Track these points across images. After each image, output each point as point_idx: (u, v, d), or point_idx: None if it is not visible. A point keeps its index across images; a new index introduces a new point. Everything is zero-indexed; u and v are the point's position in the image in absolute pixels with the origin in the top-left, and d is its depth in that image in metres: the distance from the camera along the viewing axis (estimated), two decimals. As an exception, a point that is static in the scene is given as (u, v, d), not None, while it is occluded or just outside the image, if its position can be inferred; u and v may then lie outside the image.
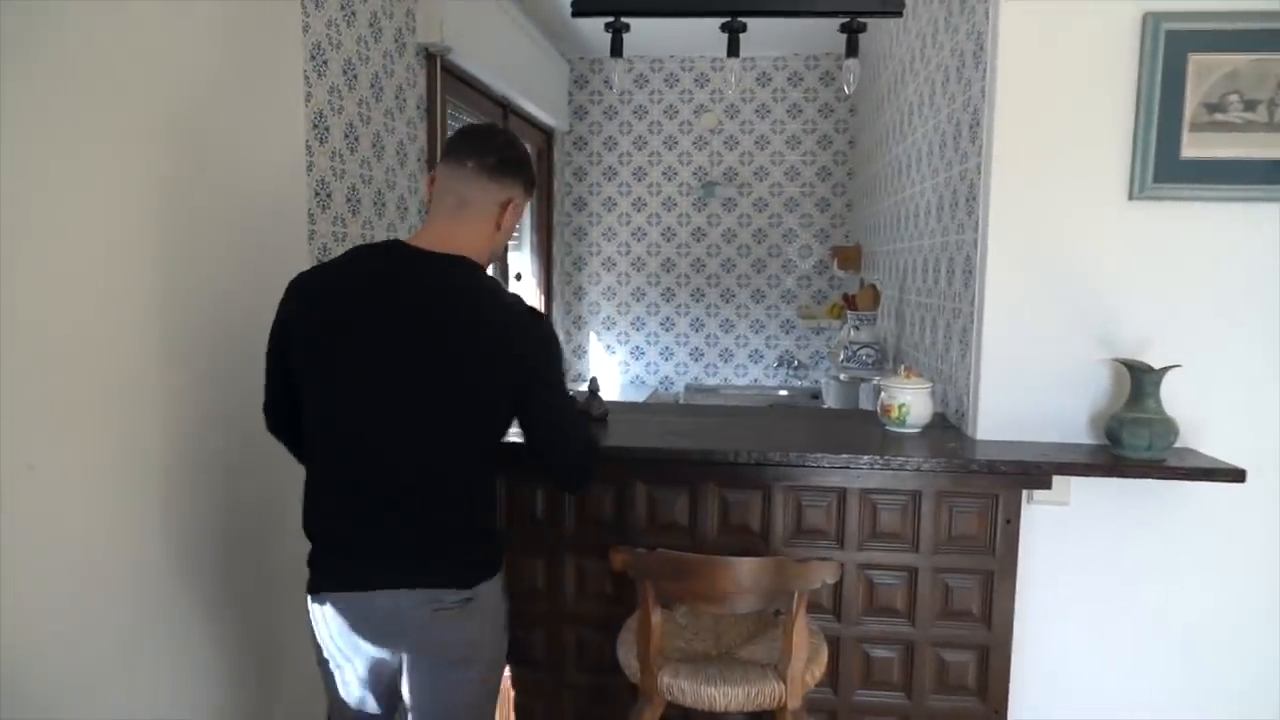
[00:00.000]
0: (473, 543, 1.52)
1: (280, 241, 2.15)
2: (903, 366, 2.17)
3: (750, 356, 5.09)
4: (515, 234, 4.25)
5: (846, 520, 2.02)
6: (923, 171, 2.74)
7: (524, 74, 3.99)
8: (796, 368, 5.04)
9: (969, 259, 2.13)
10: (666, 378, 5.16)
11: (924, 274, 2.68)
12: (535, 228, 4.69)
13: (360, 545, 1.47)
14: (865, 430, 2.17)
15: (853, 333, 3.15)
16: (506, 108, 3.94)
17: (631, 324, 5.17)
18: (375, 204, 2.65)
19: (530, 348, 1.47)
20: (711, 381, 5.13)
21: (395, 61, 2.78)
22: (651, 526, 2.07)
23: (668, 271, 5.11)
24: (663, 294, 5.12)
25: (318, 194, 2.31)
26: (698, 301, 5.10)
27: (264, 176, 2.07)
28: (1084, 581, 2.06)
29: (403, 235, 2.85)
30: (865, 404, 3.78)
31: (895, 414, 2.10)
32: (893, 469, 1.90)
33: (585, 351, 5.23)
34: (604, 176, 5.11)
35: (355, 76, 2.51)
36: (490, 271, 1.60)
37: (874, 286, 3.14)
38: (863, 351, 3.11)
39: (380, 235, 2.70)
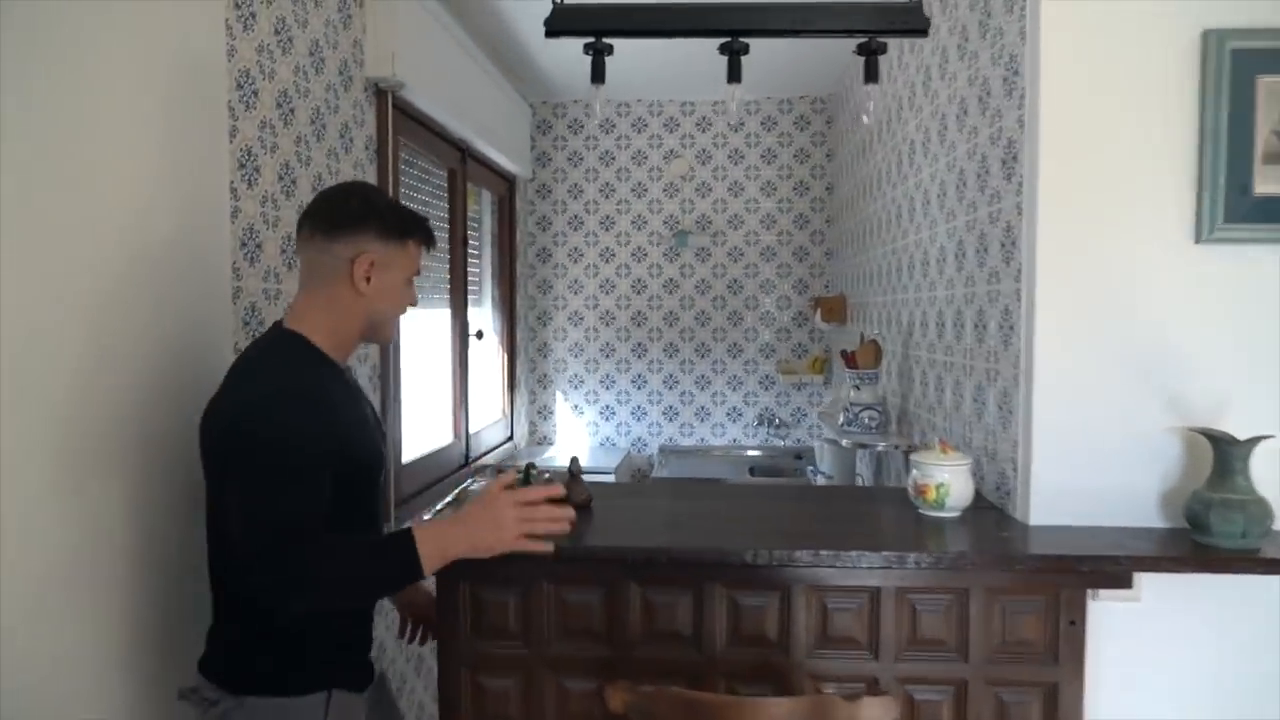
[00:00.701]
0: (247, 645, 1.41)
1: (195, 301, 1.79)
2: (936, 439, 1.86)
3: (728, 414, 4.78)
4: (473, 289, 3.91)
5: (881, 625, 1.68)
6: (932, 215, 2.48)
7: (483, 115, 3.70)
8: (777, 426, 4.74)
9: (1008, 312, 1.85)
10: (639, 439, 4.83)
11: (937, 328, 2.40)
12: (497, 280, 4.36)
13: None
14: (896, 515, 1.85)
15: (853, 393, 2.85)
16: (465, 151, 3.63)
17: (600, 382, 4.84)
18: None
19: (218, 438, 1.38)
20: (687, 442, 4.80)
21: (340, 96, 2.46)
22: (648, 637, 1.71)
23: (639, 325, 4.80)
24: (634, 349, 4.80)
25: (244, 244, 1.96)
26: (671, 357, 4.79)
27: (175, 224, 1.72)
28: (1161, 689, 1.75)
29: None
30: (863, 470, 3.48)
31: (932, 496, 1.79)
32: (943, 567, 1.58)
33: (551, 412, 4.88)
34: (569, 226, 4.82)
35: (292, 110, 2.18)
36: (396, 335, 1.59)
37: (875, 342, 2.86)
38: (865, 414, 2.81)
39: (322, 292, 2.35)
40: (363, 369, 2.62)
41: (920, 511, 1.83)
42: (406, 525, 1.38)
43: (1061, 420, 1.72)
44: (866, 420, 2.82)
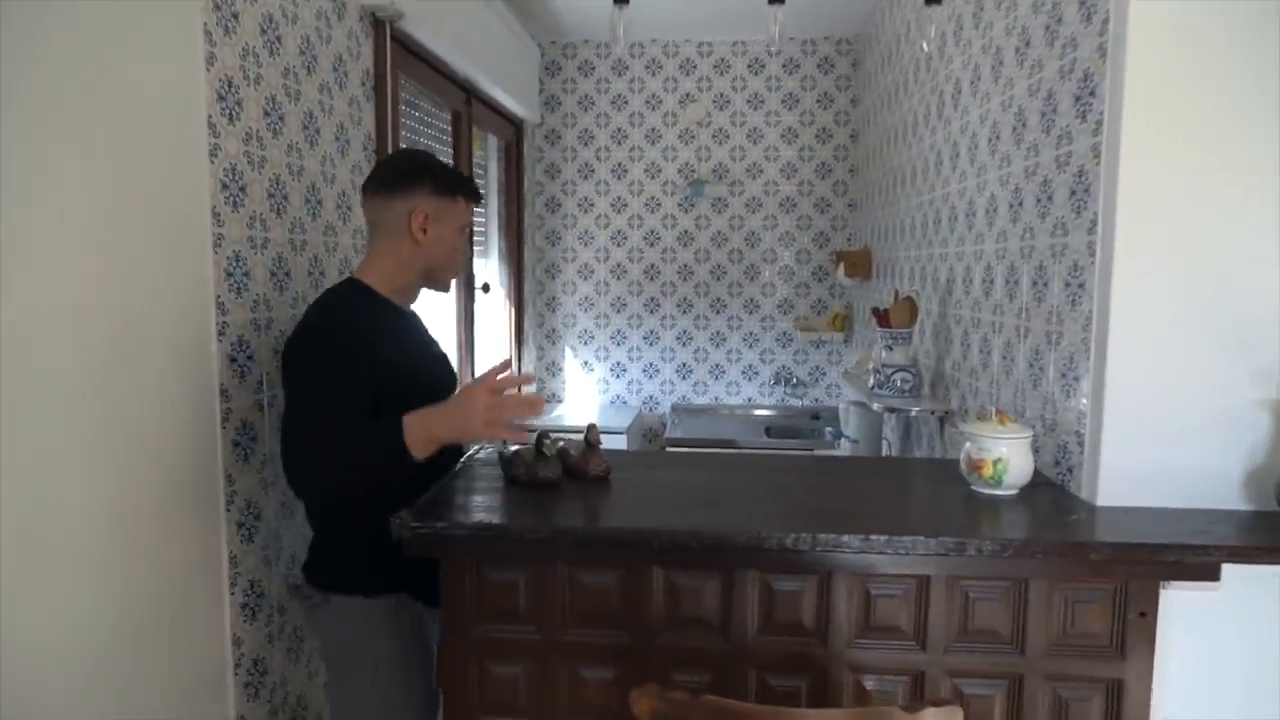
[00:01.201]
0: (326, 550, 1.69)
1: (171, 248, 1.60)
2: (993, 409, 1.68)
3: (744, 373, 4.60)
4: (479, 240, 3.71)
5: (930, 614, 1.52)
6: (980, 161, 2.27)
7: (490, 54, 3.46)
8: (795, 385, 4.57)
9: (1076, 269, 1.65)
10: (651, 397, 4.66)
11: (984, 285, 2.21)
12: (503, 232, 4.15)
13: None
14: (946, 493, 1.68)
15: (884, 353, 2.67)
16: (470, 93, 3.41)
17: (611, 338, 4.66)
18: (308, 200, 2.11)
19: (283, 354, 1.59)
20: (701, 401, 4.63)
21: (333, 24, 2.24)
22: (672, 623, 1.55)
23: (651, 279, 4.60)
24: (646, 304, 4.61)
25: (226, 186, 1.77)
26: (685, 313, 4.60)
27: (148, 161, 1.53)
28: (1236, 687, 1.59)
29: (345, 238, 2.31)
30: (889, 435, 3.31)
31: (989, 472, 1.61)
32: (1010, 555, 1.41)
33: (560, 369, 4.71)
34: (579, 174, 4.59)
35: (278, 39, 1.96)
36: (453, 284, 1.81)
37: (911, 299, 2.67)
38: (898, 376, 2.63)
39: (316, 239, 2.16)
40: (361, 324, 2.43)
41: (973, 488, 1.66)
42: (405, 416, 1.51)
43: (1136, 390, 1.54)
44: (899, 383, 2.64)
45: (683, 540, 1.43)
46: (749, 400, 4.62)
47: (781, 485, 1.77)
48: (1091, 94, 1.61)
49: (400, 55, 2.69)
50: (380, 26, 2.50)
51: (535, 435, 1.69)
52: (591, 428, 1.73)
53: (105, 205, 1.43)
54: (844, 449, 3.11)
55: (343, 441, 1.48)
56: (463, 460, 1.94)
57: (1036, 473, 1.69)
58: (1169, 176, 1.49)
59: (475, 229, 3.82)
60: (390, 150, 2.54)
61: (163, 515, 1.59)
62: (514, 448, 1.72)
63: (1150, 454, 1.55)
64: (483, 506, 1.60)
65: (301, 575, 1.73)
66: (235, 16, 1.79)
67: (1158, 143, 1.49)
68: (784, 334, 4.57)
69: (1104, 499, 1.57)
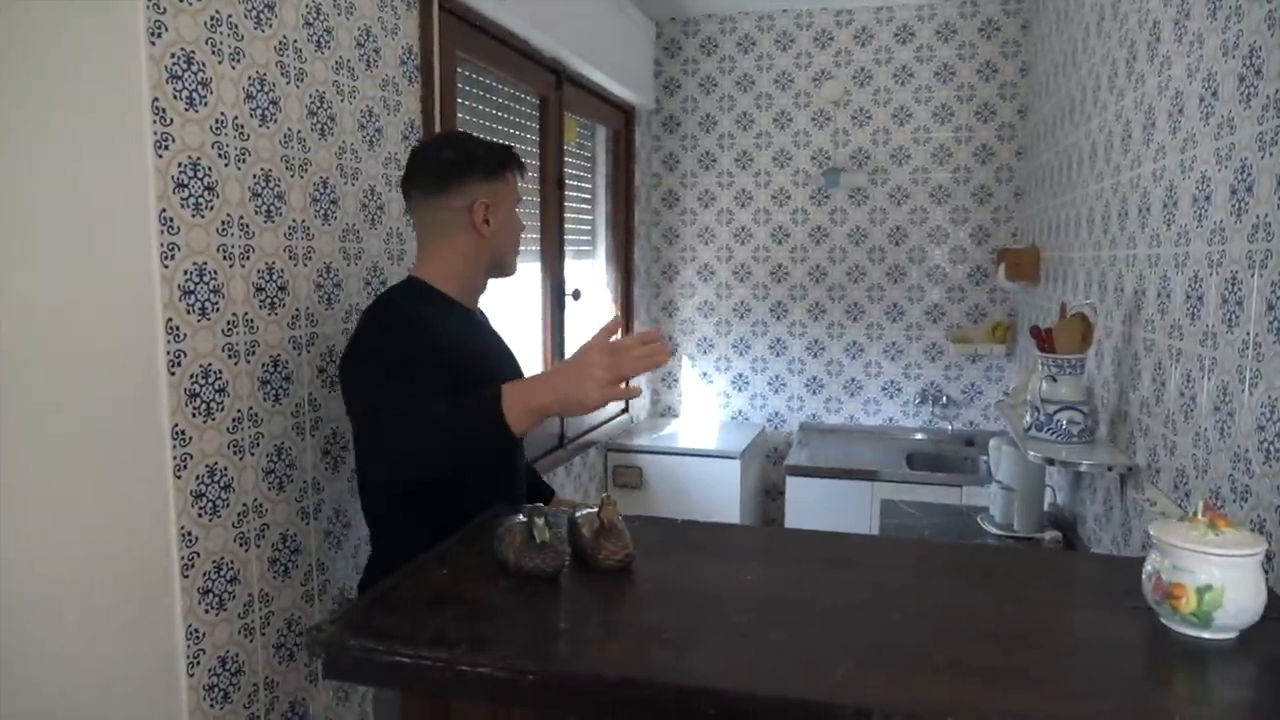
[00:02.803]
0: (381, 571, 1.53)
1: (102, 262, 1.30)
2: (1200, 503, 1.10)
3: (884, 390, 4.00)
4: (584, 241, 3.33)
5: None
6: (1184, 131, 1.64)
7: (585, 31, 3.07)
8: (945, 405, 3.92)
9: (1348, 290, 1.05)
10: (776, 414, 4.14)
11: (1187, 302, 1.59)
12: (610, 229, 3.76)
13: None
14: (1125, 631, 1.11)
15: (1046, 385, 2.06)
16: (560, 74, 3.03)
17: (733, 347, 4.17)
18: (315, 200, 1.78)
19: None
20: (834, 420, 4.07)
21: (356, -8, 1.90)
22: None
23: (779, 282, 4.08)
24: (772, 310, 4.10)
25: (183, 185, 1.45)
26: (817, 319, 4.05)
27: (69, 154, 1.22)
28: None
29: (373, 243, 1.99)
30: (1056, 483, 2.67)
31: (1190, 605, 1.04)
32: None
33: (676, 380, 4.27)
34: (700, 164, 4.13)
35: (269, 7, 1.64)
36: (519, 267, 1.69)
37: (1083, 315, 2.05)
38: (1062, 416, 2.02)
39: (328, 246, 1.83)
40: (400, 342, 2.10)
41: (1166, 624, 1.09)
42: (498, 387, 1.34)
43: None
44: (1064, 424, 2.03)
45: (697, 703, 0.96)
46: (890, 421, 4.01)
47: (877, 594, 1.26)
48: (1384, 9, 1.00)
49: (459, 29, 2.34)
50: (426, -4, 2.15)
51: (528, 510, 1.27)
52: (606, 500, 1.29)
53: (17, 210, 1.13)
54: (993, 496, 2.51)
55: (433, 416, 1.34)
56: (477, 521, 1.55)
57: (1271, 599, 1.10)
58: None
59: (580, 228, 3.45)
60: (439, 140, 2.19)
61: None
62: (512, 520, 1.31)
63: None
64: (441, 611, 1.19)
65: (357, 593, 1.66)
66: (197, -22, 1.47)
67: None
68: (933, 345, 3.93)
69: (1393, 664, 0.97)
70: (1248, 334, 1.33)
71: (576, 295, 3.18)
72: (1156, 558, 1.09)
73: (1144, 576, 1.11)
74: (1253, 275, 1.32)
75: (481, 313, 1.73)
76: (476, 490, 1.54)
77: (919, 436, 3.92)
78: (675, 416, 4.29)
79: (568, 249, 3.22)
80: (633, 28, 3.64)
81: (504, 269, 1.65)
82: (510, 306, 2.93)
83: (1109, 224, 2.16)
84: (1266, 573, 1.16)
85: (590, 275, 3.64)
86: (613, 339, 1.32)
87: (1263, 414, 1.27)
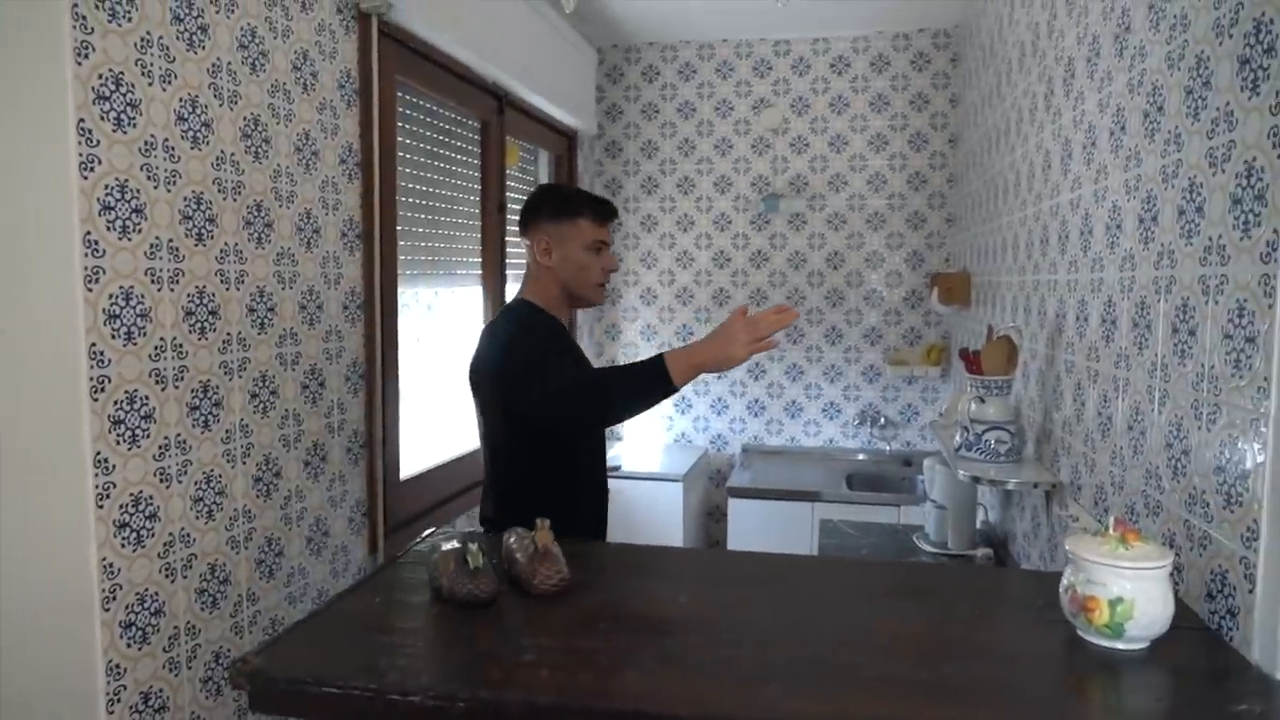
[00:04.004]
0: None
1: (27, 286, 1.27)
2: (1111, 518, 1.14)
3: (824, 411, 4.07)
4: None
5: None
6: (1099, 161, 1.72)
7: (528, 57, 3.09)
8: (883, 426, 4.00)
9: (1243, 312, 1.11)
10: (719, 436, 4.18)
11: (1104, 326, 1.65)
12: (553, 253, 3.77)
13: None
14: (1042, 643, 1.15)
15: (974, 406, 2.12)
16: (502, 99, 3.04)
17: (676, 369, 4.19)
18: (249, 224, 1.76)
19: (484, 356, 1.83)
20: (775, 441, 4.12)
21: (292, 15, 1.89)
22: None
23: (721, 305, 4.13)
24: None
25: (110, 208, 1.42)
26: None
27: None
28: None
29: (309, 266, 1.97)
30: (987, 501, 2.74)
31: (1103, 618, 1.08)
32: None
33: (620, 403, 4.28)
34: (643, 189, 4.18)
35: (202, 29, 1.62)
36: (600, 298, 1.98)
37: (1009, 338, 2.12)
38: (990, 435, 2.08)
39: (264, 270, 1.81)
40: (337, 366, 2.08)
41: (1082, 636, 1.13)
42: (659, 352, 1.63)
43: (1346, 505, 0.99)
44: (992, 444, 2.09)
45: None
46: (830, 442, 4.07)
47: (810, 613, 1.28)
48: (1267, 51, 1.07)
49: (398, 53, 2.34)
50: (365, 20, 2.15)
51: (463, 537, 1.26)
52: (543, 527, 1.29)
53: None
54: (928, 515, 2.57)
55: (611, 380, 1.69)
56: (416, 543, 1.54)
57: (1180, 609, 1.15)
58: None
59: (521, 253, 3.46)
60: (377, 164, 2.18)
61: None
62: (446, 546, 1.30)
63: (1368, 604, 0.99)
64: (373, 640, 1.18)
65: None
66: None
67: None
68: (871, 367, 4.01)
69: (1290, 669, 1.02)
70: (1156, 355, 1.39)
71: (518, 319, 3.18)
72: (1072, 572, 1.14)
73: (1061, 590, 1.15)
74: (1159, 300, 1.38)
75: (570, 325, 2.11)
76: (587, 466, 1.90)
77: (860, 457, 3.98)
78: (619, 440, 4.30)
79: (510, 273, 3.22)
80: (575, 54, 3.68)
81: (577, 298, 1.92)
82: (451, 330, 2.92)
83: (1032, 250, 2.25)
84: (1176, 585, 1.21)
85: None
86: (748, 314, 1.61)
87: (1170, 432, 1.33)
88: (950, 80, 3.85)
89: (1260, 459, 1.06)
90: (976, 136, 3.26)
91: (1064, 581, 1.15)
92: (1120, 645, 1.10)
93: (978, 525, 2.57)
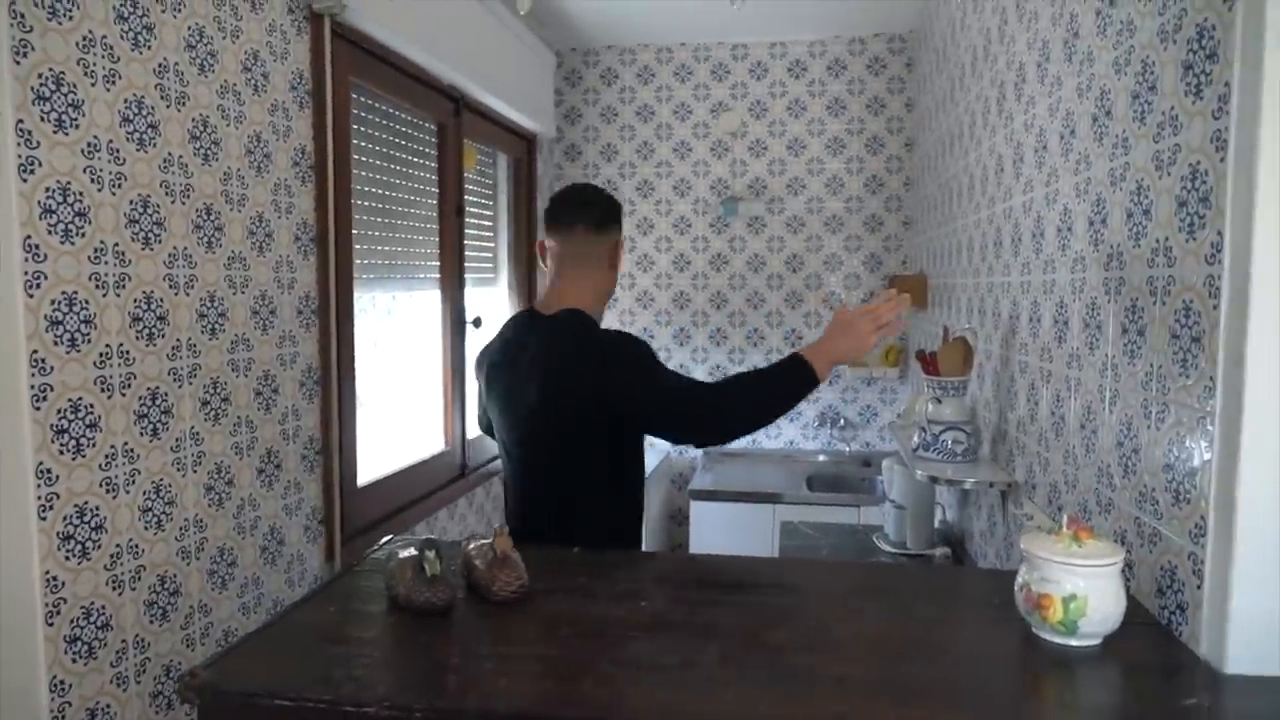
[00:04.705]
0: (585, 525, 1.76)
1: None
2: (1064, 516, 1.16)
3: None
4: (486, 270, 3.30)
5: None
6: (1049, 165, 1.75)
7: (486, 60, 3.07)
8: (843, 427, 4.03)
9: (1189, 313, 1.13)
10: (681, 439, 4.17)
11: (1056, 327, 1.68)
12: (512, 256, 3.75)
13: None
14: (999, 641, 1.17)
15: (931, 407, 2.15)
16: (459, 102, 3.01)
17: (637, 373, 4.19)
18: (199, 228, 1.72)
19: (604, 368, 1.72)
20: (736, 445, 4.13)
21: (242, 15, 1.86)
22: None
23: (681, 308, 4.14)
24: (675, 336, 4.15)
25: (51, 211, 1.38)
26: (719, 345, 4.12)
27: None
28: None
29: (261, 271, 1.93)
30: (945, 500, 2.78)
31: (1057, 615, 1.10)
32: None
33: (581, 407, 4.26)
34: (602, 193, 4.16)
35: (148, 29, 1.58)
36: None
37: (964, 340, 2.15)
38: (947, 436, 2.11)
39: (214, 274, 1.77)
40: (291, 372, 2.04)
41: (1036, 633, 1.14)
42: (791, 353, 1.72)
43: (1287, 499, 1.01)
44: (949, 444, 2.11)
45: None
46: (791, 444, 4.10)
47: (770, 615, 1.28)
48: (1209, 57, 1.09)
49: (352, 55, 2.31)
50: (317, 21, 2.11)
51: (421, 544, 1.24)
52: (501, 533, 1.28)
53: None
54: (887, 515, 2.59)
55: (758, 386, 1.69)
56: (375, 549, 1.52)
57: (1132, 605, 1.17)
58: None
59: (482, 255, 3.44)
60: (331, 167, 2.15)
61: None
62: (403, 554, 1.28)
63: (1310, 596, 1.02)
64: (328, 650, 1.15)
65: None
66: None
67: (1319, 125, 0.97)
68: (831, 369, 4.03)
69: (1236, 662, 1.04)
70: (1107, 356, 1.42)
71: (477, 323, 3.15)
72: (1026, 570, 1.15)
73: (1016, 588, 1.17)
74: (1109, 301, 1.41)
75: None
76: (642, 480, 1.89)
77: (821, 458, 4.01)
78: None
79: (469, 277, 3.19)
80: (533, 57, 3.66)
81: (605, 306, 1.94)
82: (410, 335, 2.89)
83: (986, 252, 2.28)
84: (1128, 581, 1.23)
85: (492, 303, 3.61)
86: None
87: (1121, 431, 1.35)
88: (906, 85, 3.90)
89: (1207, 457, 1.08)
90: (932, 140, 3.30)
91: (1019, 579, 1.16)
92: (1074, 642, 1.11)
93: (936, 525, 2.60)
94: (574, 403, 1.73)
